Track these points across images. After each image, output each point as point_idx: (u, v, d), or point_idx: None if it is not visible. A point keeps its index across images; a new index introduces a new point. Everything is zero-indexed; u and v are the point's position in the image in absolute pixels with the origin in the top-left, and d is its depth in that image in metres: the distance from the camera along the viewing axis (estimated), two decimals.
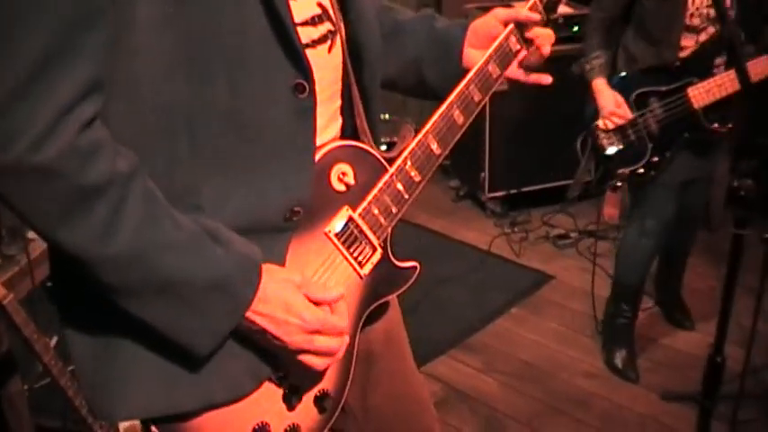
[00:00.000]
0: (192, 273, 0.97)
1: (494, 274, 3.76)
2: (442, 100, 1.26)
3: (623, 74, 2.71)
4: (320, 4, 1.09)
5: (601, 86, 2.68)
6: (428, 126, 1.22)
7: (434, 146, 1.23)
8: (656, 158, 2.67)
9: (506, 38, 1.31)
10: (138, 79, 0.95)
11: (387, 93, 1.36)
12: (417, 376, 1.53)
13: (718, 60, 2.59)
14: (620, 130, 2.67)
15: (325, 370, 1.14)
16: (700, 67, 2.57)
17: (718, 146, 2.76)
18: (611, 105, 2.63)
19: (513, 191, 4.31)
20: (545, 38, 1.34)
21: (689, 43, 2.60)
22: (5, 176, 0.86)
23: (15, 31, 0.84)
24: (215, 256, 0.99)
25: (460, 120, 1.26)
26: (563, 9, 1.19)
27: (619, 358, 2.99)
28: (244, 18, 0.97)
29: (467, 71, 1.29)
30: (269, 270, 1.04)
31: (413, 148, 1.21)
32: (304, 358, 1.09)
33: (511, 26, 1.32)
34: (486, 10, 1.45)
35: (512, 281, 3.71)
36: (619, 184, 4.22)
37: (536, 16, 1.32)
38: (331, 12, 1.11)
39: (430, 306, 3.35)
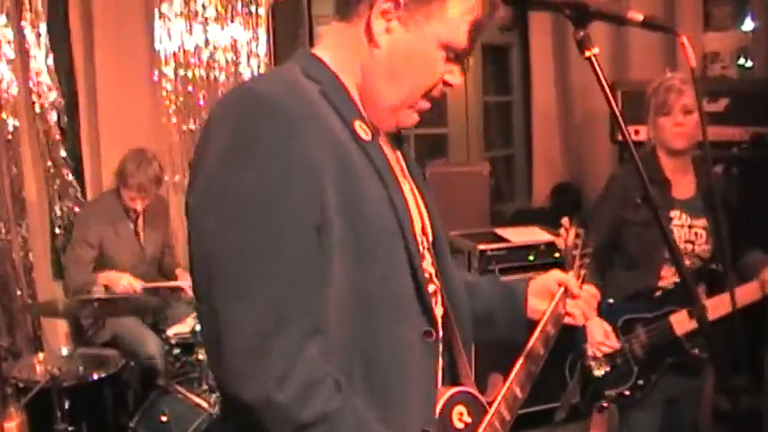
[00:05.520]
0: None
1: None
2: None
3: (611, 301, 2.79)
4: (426, 270, 1.35)
5: None
6: (512, 377, 1.50)
7: (518, 390, 1.49)
8: (641, 381, 2.75)
9: (557, 304, 1.59)
10: (328, 324, 1.16)
11: None
12: None
13: (699, 290, 2.68)
14: (607, 354, 2.73)
15: None
16: (682, 296, 2.62)
17: (703, 367, 2.81)
18: (599, 336, 2.69)
19: None
20: (587, 306, 1.62)
21: (668, 273, 2.72)
22: (257, 411, 1.09)
23: (251, 292, 1.09)
24: None
25: (533, 369, 1.54)
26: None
27: None
28: (398, 278, 1.24)
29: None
30: None
31: (504, 394, 1.46)
32: None
33: (561, 291, 1.59)
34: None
35: None
36: (605, 404, 4.23)
37: (578, 291, 1.60)
38: (434, 275, 1.38)
39: None
